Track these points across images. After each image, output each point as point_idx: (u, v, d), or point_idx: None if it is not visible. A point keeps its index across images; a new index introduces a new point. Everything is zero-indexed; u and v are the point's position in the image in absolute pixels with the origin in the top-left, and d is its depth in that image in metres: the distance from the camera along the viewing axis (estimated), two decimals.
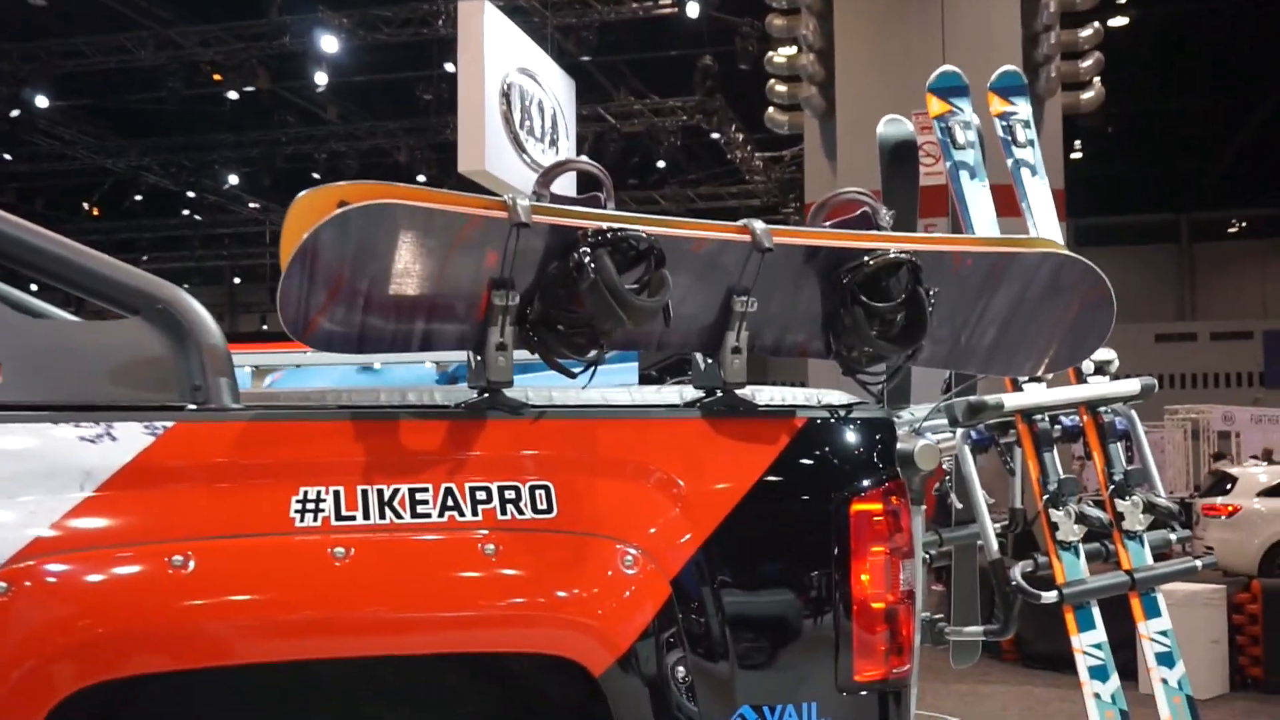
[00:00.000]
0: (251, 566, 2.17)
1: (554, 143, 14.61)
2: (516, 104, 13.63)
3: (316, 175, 19.63)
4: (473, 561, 2.27)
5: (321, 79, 16.53)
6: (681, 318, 2.58)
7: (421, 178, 18.91)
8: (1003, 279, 2.73)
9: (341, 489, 2.25)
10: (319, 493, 2.23)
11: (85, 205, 28.50)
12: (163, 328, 2.29)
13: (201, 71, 16.63)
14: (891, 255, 2.50)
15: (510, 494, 2.34)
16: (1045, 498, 3.64)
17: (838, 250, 2.55)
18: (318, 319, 2.33)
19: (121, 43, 15.85)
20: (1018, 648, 10.00)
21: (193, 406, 2.26)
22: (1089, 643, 3.65)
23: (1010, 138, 4.15)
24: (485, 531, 2.29)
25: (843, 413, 2.65)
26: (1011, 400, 3.61)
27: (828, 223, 2.80)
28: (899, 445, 3.63)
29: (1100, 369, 3.88)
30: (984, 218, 3.98)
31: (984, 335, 2.83)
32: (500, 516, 2.32)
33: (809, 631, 2.52)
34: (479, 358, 2.41)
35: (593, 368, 2.47)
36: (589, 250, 2.27)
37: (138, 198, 25.26)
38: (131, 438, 2.18)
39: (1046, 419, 3.75)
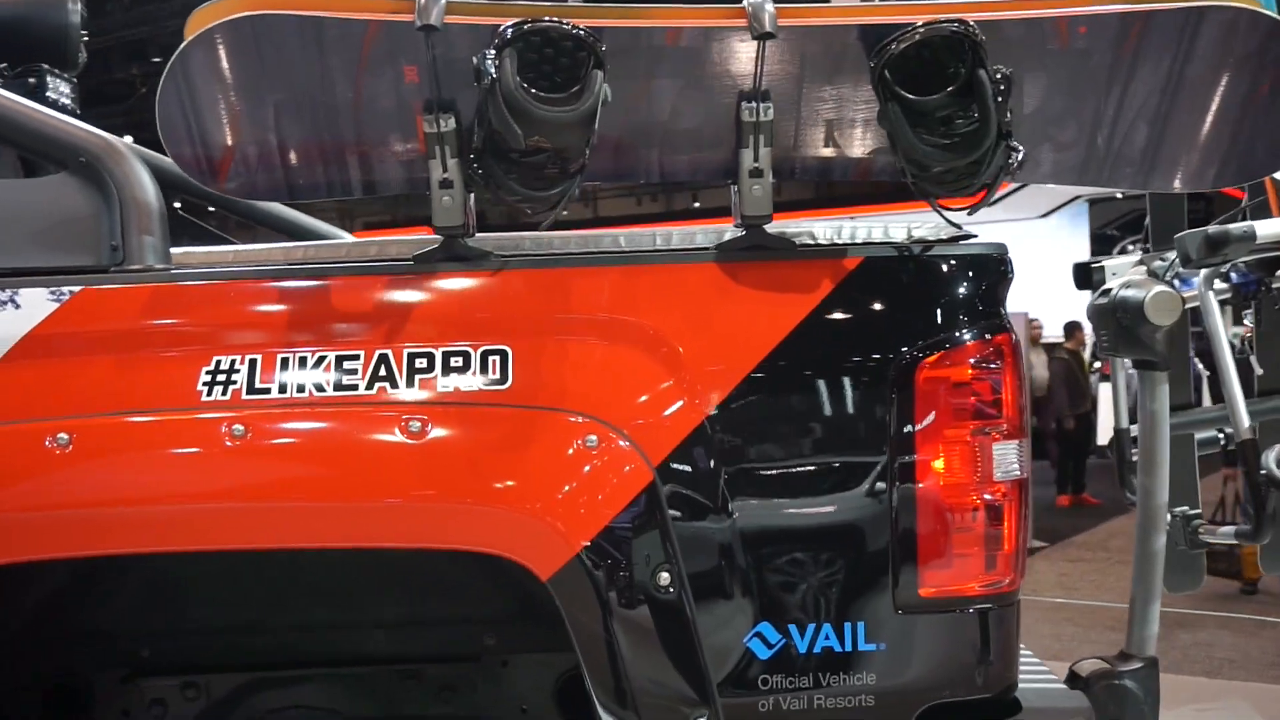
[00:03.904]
0: (134, 446, 1.93)
1: None
2: None
3: None
4: (393, 441, 1.91)
5: None
6: (680, 135, 2.04)
7: None
8: (1141, 51, 1.94)
9: (259, 358, 1.95)
10: (233, 363, 1.95)
11: None
12: (87, 183, 2.08)
13: None
14: (926, 29, 1.81)
15: (457, 361, 1.95)
16: None
17: (874, 30, 1.89)
18: (227, 162, 2.01)
19: None
20: None
21: (113, 269, 2.04)
22: None
23: None
24: (418, 405, 1.92)
25: (917, 249, 2.01)
26: (1271, 228, 2.68)
27: None
28: (1128, 293, 2.88)
29: None
30: None
31: (1133, 135, 2.05)
32: (441, 388, 1.94)
33: (853, 533, 1.96)
34: None
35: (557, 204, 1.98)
36: (493, 50, 1.79)
37: None
38: (36, 305, 1.99)
39: None
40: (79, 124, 2.13)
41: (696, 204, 20.50)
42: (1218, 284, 3.04)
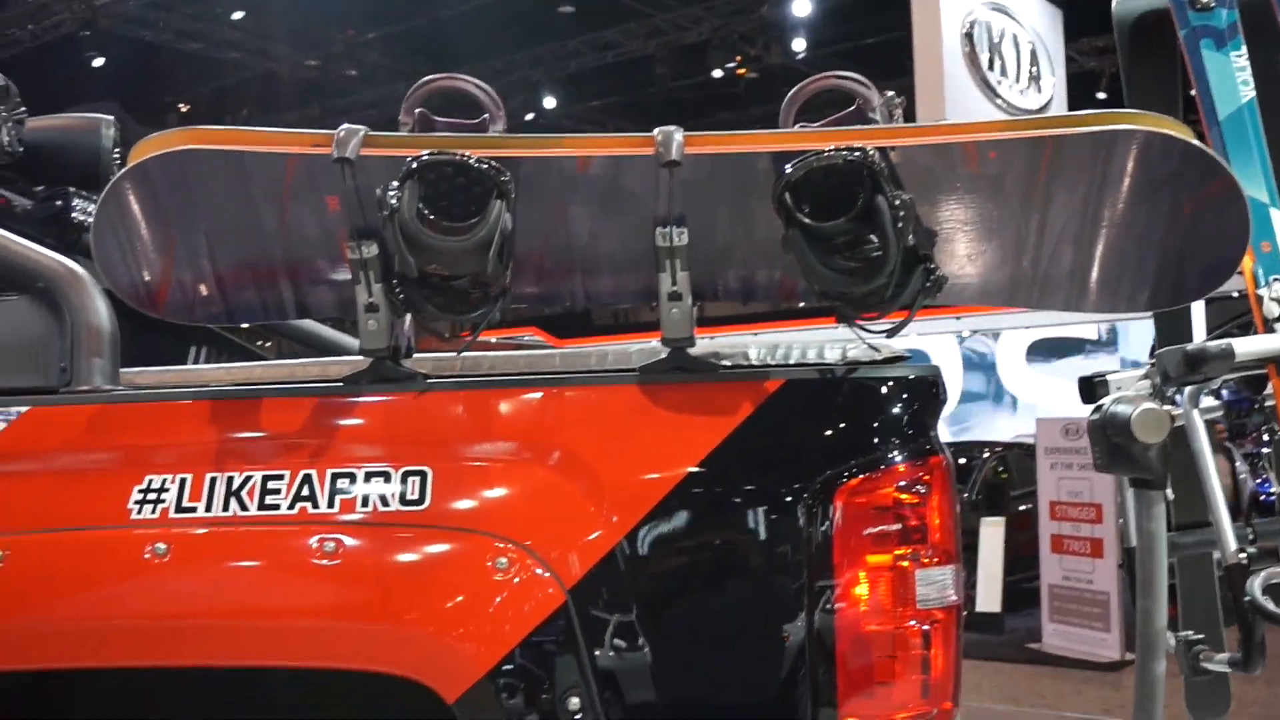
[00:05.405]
0: (61, 563, 1.98)
1: (1035, 80, 13.32)
2: (983, 43, 12.59)
3: None
4: (306, 560, 1.94)
5: (800, 45, 16.34)
6: (602, 259, 2.07)
7: None
8: (1057, 175, 1.92)
9: (189, 477, 2.00)
10: (164, 482, 2.00)
11: None
12: (43, 307, 2.18)
13: (694, 55, 17.03)
14: (818, 157, 1.82)
15: (379, 482, 1.98)
16: None
17: (778, 157, 1.90)
18: (164, 287, 2.09)
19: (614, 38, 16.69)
20: None
21: (61, 390, 2.13)
22: None
23: None
24: (337, 525, 1.95)
25: (842, 371, 1.99)
26: (1250, 345, 2.57)
27: (816, 124, 2.11)
28: (1117, 409, 2.82)
29: None
30: (1233, 103, 2.89)
31: (1059, 258, 2.01)
32: (361, 508, 1.96)
33: (770, 661, 1.92)
34: None
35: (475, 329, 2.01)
36: (397, 182, 1.85)
37: None
38: None
39: None
40: (42, 251, 2.23)
41: None
42: (1209, 400, 2.95)
